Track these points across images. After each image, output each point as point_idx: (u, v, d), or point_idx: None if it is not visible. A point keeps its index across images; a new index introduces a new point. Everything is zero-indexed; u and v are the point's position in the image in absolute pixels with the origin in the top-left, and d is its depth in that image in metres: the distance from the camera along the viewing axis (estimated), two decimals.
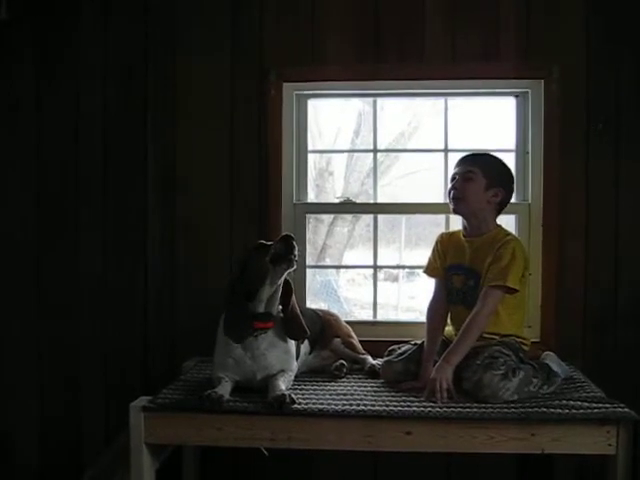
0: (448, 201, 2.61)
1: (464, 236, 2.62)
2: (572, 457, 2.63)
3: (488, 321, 2.43)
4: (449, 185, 2.61)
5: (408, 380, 2.48)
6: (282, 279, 2.37)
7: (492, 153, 2.67)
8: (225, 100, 3.03)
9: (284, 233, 2.38)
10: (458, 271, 2.59)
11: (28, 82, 3.09)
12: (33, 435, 3.14)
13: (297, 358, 2.50)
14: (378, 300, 3.20)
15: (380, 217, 3.19)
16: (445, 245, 2.66)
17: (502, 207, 2.59)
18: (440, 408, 2.20)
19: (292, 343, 2.46)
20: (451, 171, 2.64)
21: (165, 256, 3.07)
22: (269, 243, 2.37)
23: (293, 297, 2.47)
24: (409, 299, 3.82)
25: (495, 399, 2.25)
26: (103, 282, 3.09)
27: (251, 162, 3.02)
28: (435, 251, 2.68)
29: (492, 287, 2.43)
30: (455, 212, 2.60)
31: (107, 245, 3.09)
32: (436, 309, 2.62)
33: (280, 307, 2.43)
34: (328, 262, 3.91)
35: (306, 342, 2.60)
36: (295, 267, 2.34)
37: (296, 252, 2.30)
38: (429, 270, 2.69)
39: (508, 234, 2.57)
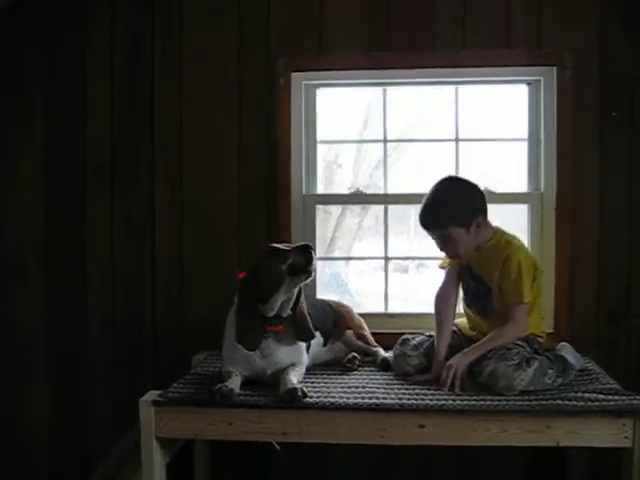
0: None
1: None
2: (587, 450, 2.61)
3: (519, 334, 2.41)
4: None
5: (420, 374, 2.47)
6: (297, 289, 2.33)
7: (451, 178, 2.55)
8: (233, 90, 3.01)
9: (302, 243, 2.32)
10: (471, 276, 2.55)
11: (34, 68, 3.08)
12: (44, 430, 3.14)
13: (308, 351, 2.48)
14: (389, 292, 3.17)
15: (389, 209, 3.16)
16: None
17: (485, 215, 2.51)
18: (453, 401, 2.18)
19: None
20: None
21: (173, 248, 3.06)
22: (284, 248, 2.30)
23: (302, 298, 2.42)
24: (419, 291, 3.79)
25: (510, 390, 2.23)
26: (111, 274, 3.08)
27: (260, 153, 3.00)
28: None
29: (514, 305, 2.42)
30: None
31: (114, 235, 3.08)
32: (446, 299, 2.59)
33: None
34: (337, 255, 3.88)
35: (318, 334, 2.56)
36: (312, 277, 2.28)
37: (314, 263, 2.24)
38: (449, 262, 2.62)
39: (507, 239, 2.49)
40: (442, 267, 2.66)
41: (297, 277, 2.25)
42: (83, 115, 3.08)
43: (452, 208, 2.45)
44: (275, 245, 2.34)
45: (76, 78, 3.07)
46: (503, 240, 2.49)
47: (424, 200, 2.49)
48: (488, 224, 2.51)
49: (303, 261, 2.23)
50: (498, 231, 2.53)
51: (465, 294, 2.59)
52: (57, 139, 3.10)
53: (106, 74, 3.06)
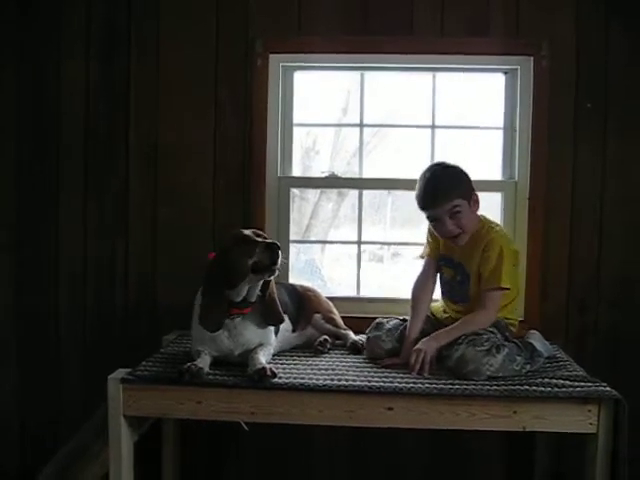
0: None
1: None
2: (553, 435, 2.64)
3: (489, 322, 2.42)
4: (430, 228, 2.53)
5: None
6: (261, 282, 2.32)
7: (440, 163, 2.55)
8: (210, 70, 2.98)
9: (270, 240, 2.26)
10: (448, 264, 2.56)
11: (7, 50, 3.03)
12: (12, 406, 3.12)
13: (277, 333, 2.47)
14: (364, 280, 3.18)
15: (366, 198, 3.18)
16: None
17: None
18: (422, 384, 2.18)
19: None
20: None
21: (147, 228, 3.03)
22: (252, 239, 2.26)
23: (272, 283, 2.40)
24: (393, 280, 3.80)
25: (478, 375, 2.23)
26: (83, 253, 3.05)
27: (236, 133, 2.98)
28: (430, 234, 2.61)
29: (489, 290, 2.42)
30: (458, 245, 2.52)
31: (88, 216, 3.05)
32: (424, 286, 2.60)
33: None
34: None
35: (286, 317, 2.54)
36: (277, 274, 2.28)
37: (280, 262, 2.21)
38: (427, 252, 2.63)
39: (491, 226, 2.52)
40: (421, 257, 2.66)
41: (260, 274, 2.25)
42: (57, 95, 3.03)
43: (454, 182, 2.46)
44: (245, 232, 2.31)
45: (50, 58, 3.02)
46: (486, 227, 2.51)
47: (421, 184, 2.48)
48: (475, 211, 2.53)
49: (268, 261, 2.21)
50: (483, 218, 2.55)
51: (442, 284, 2.60)
52: (30, 120, 3.05)
53: (82, 53, 3.02)
